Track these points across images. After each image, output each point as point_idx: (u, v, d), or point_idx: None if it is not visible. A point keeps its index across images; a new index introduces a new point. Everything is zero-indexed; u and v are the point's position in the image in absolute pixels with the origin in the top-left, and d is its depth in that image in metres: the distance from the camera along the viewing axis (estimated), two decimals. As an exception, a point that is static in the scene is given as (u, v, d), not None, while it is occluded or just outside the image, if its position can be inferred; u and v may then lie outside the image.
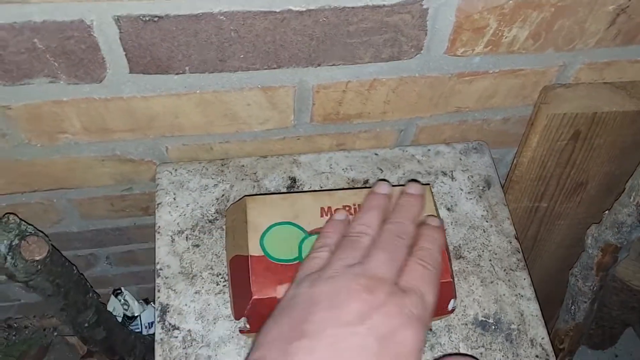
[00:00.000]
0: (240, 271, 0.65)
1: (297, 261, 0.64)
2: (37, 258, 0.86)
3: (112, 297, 1.42)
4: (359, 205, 0.68)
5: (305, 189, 0.84)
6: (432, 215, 0.67)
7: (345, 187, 0.84)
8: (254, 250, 0.64)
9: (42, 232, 0.90)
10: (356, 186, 0.84)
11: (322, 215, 0.68)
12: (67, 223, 1.03)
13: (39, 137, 0.78)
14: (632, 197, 0.84)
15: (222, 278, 0.75)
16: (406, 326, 0.50)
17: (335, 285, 0.53)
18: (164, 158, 0.86)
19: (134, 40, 0.64)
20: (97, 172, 0.87)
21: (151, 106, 0.75)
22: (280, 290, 0.61)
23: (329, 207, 0.68)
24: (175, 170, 0.85)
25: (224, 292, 0.74)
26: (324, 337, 0.48)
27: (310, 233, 0.66)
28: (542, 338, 0.74)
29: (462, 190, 0.85)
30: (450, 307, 0.69)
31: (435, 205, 0.70)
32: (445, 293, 0.67)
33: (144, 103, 0.74)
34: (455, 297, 0.68)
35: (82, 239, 1.09)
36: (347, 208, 0.68)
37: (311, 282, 0.55)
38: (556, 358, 1.22)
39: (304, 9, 0.63)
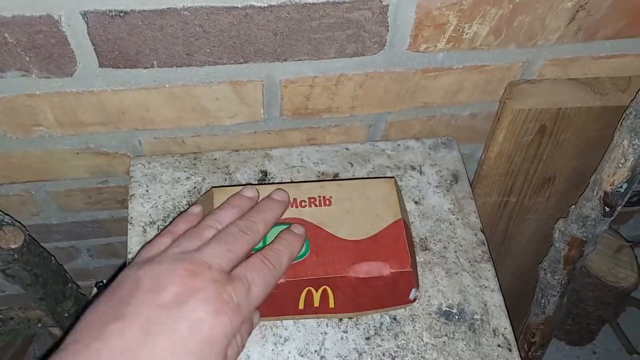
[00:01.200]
0: None
1: None
2: (13, 246, 0.87)
3: (95, 289, 1.42)
4: (324, 197, 0.70)
5: (276, 182, 0.85)
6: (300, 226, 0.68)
7: (315, 180, 0.86)
8: None
9: (19, 222, 0.91)
10: (325, 179, 0.86)
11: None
12: (46, 215, 1.04)
13: (14, 130, 0.79)
14: (595, 191, 0.85)
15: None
16: (220, 313, 0.51)
17: (160, 268, 0.53)
18: (138, 151, 0.87)
19: (102, 35, 0.65)
20: (72, 165, 0.89)
21: (122, 100, 0.76)
22: None
23: (295, 199, 0.70)
24: (149, 163, 0.86)
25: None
26: (138, 319, 0.49)
27: (275, 224, 0.66)
28: (505, 328, 0.75)
29: (430, 184, 0.87)
30: (411, 296, 0.71)
31: (399, 199, 0.72)
32: (406, 282, 0.69)
33: (114, 97, 0.75)
34: (416, 286, 0.70)
35: (61, 231, 1.10)
36: (312, 200, 0.70)
37: (140, 265, 0.55)
38: (529, 351, 1.24)
39: (266, 5, 0.64)
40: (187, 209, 0.67)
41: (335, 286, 0.67)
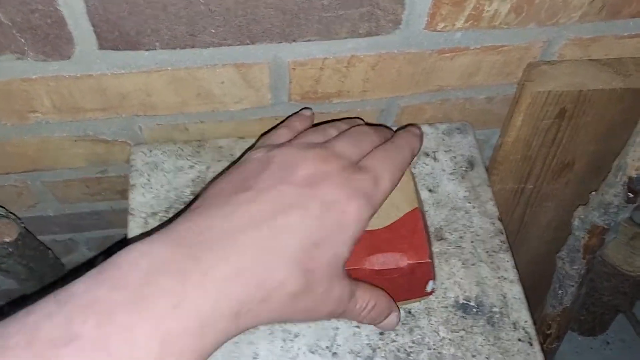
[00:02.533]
0: None
1: None
2: (7, 240, 0.85)
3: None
4: None
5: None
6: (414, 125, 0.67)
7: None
8: None
9: (14, 214, 0.89)
10: None
11: None
12: (43, 207, 1.01)
13: (9, 116, 0.76)
14: (618, 177, 0.83)
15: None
16: (351, 198, 0.52)
17: (291, 152, 0.55)
18: (139, 139, 0.84)
19: (102, 14, 0.62)
20: (70, 153, 0.86)
21: (122, 84, 0.73)
22: None
23: None
24: (150, 151, 0.83)
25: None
26: (268, 190, 0.50)
27: None
28: (525, 321, 0.73)
29: (444, 171, 0.84)
30: (429, 288, 0.68)
31: (415, 186, 0.68)
32: (424, 274, 0.66)
33: (114, 80, 0.72)
34: (434, 278, 0.67)
35: (59, 223, 1.07)
36: None
37: (269, 148, 0.57)
38: (544, 343, 1.21)
39: (275, -20, 0.61)
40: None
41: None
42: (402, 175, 0.61)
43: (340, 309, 0.54)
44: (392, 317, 0.62)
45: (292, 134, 0.62)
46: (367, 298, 0.57)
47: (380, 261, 0.63)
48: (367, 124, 0.68)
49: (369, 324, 0.61)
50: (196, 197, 0.53)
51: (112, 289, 0.42)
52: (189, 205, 0.51)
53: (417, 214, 0.66)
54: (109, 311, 0.40)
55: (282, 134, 0.62)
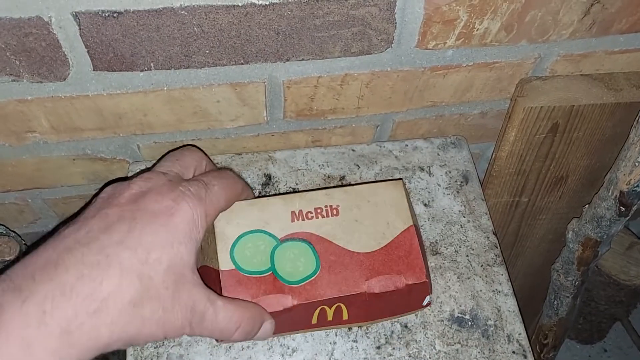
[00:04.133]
0: (211, 282, 0.62)
1: (270, 272, 0.62)
2: (8, 258, 0.84)
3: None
4: (330, 206, 0.67)
5: (280, 186, 0.83)
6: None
7: (321, 183, 0.83)
8: (225, 264, 0.61)
9: (14, 232, 0.89)
10: (329, 185, 0.83)
11: (293, 220, 0.65)
12: (44, 223, 1.01)
13: (7, 137, 0.76)
14: (610, 191, 0.83)
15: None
16: (178, 200, 0.52)
17: (117, 184, 0.55)
18: (137, 156, 0.85)
19: (95, 37, 0.63)
20: (69, 172, 0.86)
21: (118, 104, 0.73)
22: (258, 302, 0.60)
23: (300, 211, 0.66)
24: (148, 168, 0.83)
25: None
26: (93, 217, 0.50)
27: (282, 240, 0.63)
28: (519, 334, 0.73)
29: (439, 185, 0.84)
30: (425, 302, 0.68)
31: (409, 202, 0.69)
32: (421, 292, 0.66)
33: (110, 101, 0.72)
34: (430, 293, 0.68)
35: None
36: (318, 210, 0.66)
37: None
38: (541, 353, 1.22)
39: (267, 3, 0.62)
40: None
41: (350, 302, 0.64)
42: (235, 197, 0.62)
43: (197, 316, 0.52)
44: (266, 327, 0.60)
45: None
46: (231, 312, 0.56)
47: (380, 285, 0.64)
48: None
49: (243, 340, 0.59)
50: None
51: None
52: None
53: (413, 232, 0.67)
54: None
55: None
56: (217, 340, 0.67)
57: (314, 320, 0.65)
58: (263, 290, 0.60)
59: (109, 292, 0.46)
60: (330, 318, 0.66)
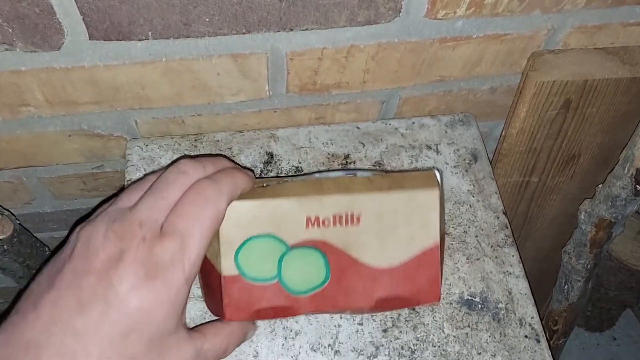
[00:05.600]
0: (212, 284, 0.59)
1: (276, 280, 0.58)
2: (1, 237, 0.83)
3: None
4: (352, 214, 0.60)
5: (283, 165, 0.80)
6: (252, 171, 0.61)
7: (325, 162, 0.81)
8: (227, 269, 0.57)
9: (8, 211, 0.87)
10: (332, 165, 0.81)
11: (307, 226, 0.59)
12: (40, 203, 1.00)
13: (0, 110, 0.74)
14: (626, 169, 0.81)
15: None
16: (152, 276, 0.48)
17: (94, 229, 0.51)
18: (135, 133, 0.83)
19: (91, 3, 0.60)
20: (64, 148, 0.84)
21: (115, 76, 0.71)
22: (254, 315, 0.58)
23: (317, 217, 0.59)
24: (146, 145, 0.81)
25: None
26: (69, 288, 0.48)
27: (292, 247, 0.58)
28: (532, 317, 0.71)
29: (447, 164, 0.82)
30: (432, 303, 0.65)
31: (441, 207, 0.62)
32: (431, 302, 0.62)
33: (107, 72, 0.70)
34: (439, 299, 0.64)
35: (56, 219, 1.06)
36: (337, 218, 0.59)
37: (81, 226, 0.53)
38: (550, 340, 1.20)
39: (270, -34, 0.59)
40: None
41: (356, 311, 0.62)
42: (220, 220, 0.55)
43: None
44: (250, 334, 0.62)
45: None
46: (218, 344, 0.56)
47: (390, 304, 0.61)
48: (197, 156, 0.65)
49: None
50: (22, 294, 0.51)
51: None
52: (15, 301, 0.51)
53: (436, 252, 0.61)
54: None
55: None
56: None
57: None
58: (267, 299, 0.58)
59: None
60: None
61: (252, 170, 0.64)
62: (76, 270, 0.49)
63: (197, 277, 0.65)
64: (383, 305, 0.61)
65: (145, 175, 0.60)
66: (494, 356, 0.68)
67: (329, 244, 0.59)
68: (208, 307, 0.63)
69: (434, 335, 0.69)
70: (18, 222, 0.88)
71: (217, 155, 0.71)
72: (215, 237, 0.57)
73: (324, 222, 0.59)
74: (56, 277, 0.49)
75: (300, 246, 0.59)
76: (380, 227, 0.60)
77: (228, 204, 0.55)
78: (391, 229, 0.60)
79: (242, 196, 0.57)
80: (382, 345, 0.68)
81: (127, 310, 0.47)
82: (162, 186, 0.54)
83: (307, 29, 0.68)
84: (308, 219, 0.58)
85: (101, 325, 0.47)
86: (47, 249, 1.01)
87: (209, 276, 0.60)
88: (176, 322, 0.51)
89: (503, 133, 0.89)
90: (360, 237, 0.59)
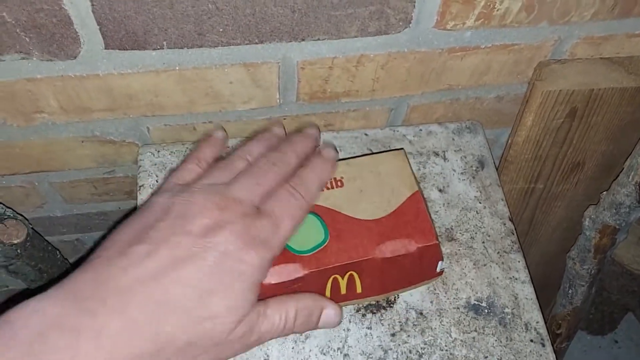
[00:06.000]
0: None
1: None
2: (15, 241, 0.84)
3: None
4: (334, 178, 0.68)
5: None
6: (330, 147, 0.67)
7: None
8: None
9: (22, 215, 0.88)
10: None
11: None
12: (51, 207, 1.00)
13: (14, 117, 0.75)
14: (630, 177, 0.82)
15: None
16: (249, 247, 0.52)
17: (191, 199, 0.54)
18: (146, 139, 0.84)
19: (108, 13, 0.61)
20: (77, 154, 0.85)
21: (129, 84, 0.72)
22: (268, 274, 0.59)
23: None
24: (158, 151, 0.82)
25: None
26: (164, 243, 0.50)
27: None
28: (537, 322, 0.72)
29: (454, 171, 0.83)
30: (438, 269, 0.68)
31: (411, 169, 0.70)
32: (433, 256, 0.66)
33: (121, 81, 0.71)
34: (442, 259, 0.68)
35: (66, 223, 1.07)
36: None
37: (172, 193, 0.56)
38: (553, 344, 1.20)
39: (284, -21, 0.60)
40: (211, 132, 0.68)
41: (362, 270, 0.64)
42: (307, 211, 0.60)
43: (254, 337, 0.54)
44: (329, 314, 0.60)
45: (200, 167, 0.62)
46: (283, 310, 0.56)
47: (390, 249, 0.64)
48: (287, 133, 0.68)
49: (304, 331, 0.61)
50: (99, 244, 0.53)
51: (4, 347, 0.42)
52: (91, 252, 0.52)
53: (419, 197, 0.67)
54: None
55: (190, 170, 0.62)
56: None
57: (327, 293, 0.65)
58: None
59: (171, 334, 0.48)
60: (344, 291, 0.66)
61: (335, 149, 0.67)
62: (173, 228, 0.51)
63: None
64: (388, 263, 0.64)
65: (199, 141, 0.66)
66: (500, 360, 0.69)
67: (321, 207, 0.65)
68: None
69: (441, 339, 0.70)
70: (31, 226, 0.89)
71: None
72: None
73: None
74: (149, 231, 0.51)
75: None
76: (361, 186, 0.68)
77: (315, 199, 0.61)
78: (372, 187, 0.67)
79: None
80: (391, 349, 0.69)
81: (219, 272, 0.50)
82: (257, 172, 0.59)
83: (318, 39, 0.69)
84: None
85: (192, 281, 0.49)
86: (57, 252, 1.01)
87: None
88: (254, 297, 0.53)
89: (509, 141, 0.89)
90: (347, 197, 0.66)
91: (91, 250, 0.53)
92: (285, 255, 0.61)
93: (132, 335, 0.46)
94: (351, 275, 0.64)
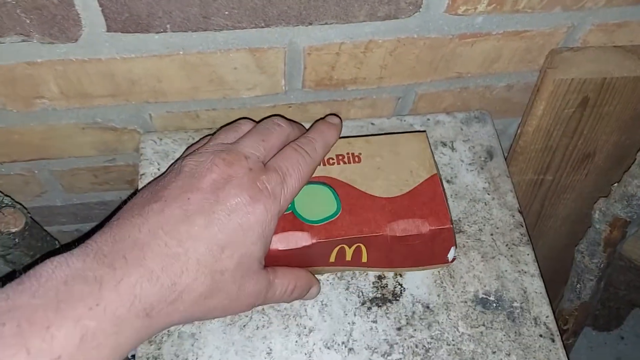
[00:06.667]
0: None
1: (290, 211, 0.63)
2: (13, 230, 0.83)
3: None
4: (352, 153, 0.68)
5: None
6: (334, 115, 0.70)
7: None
8: None
9: (20, 204, 0.87)
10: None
11: None
12: (50, 196, 0.99)
13: (14, 102, 0.73)
14: (642, 168, 0.81)
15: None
16: (256, 199, 0.55)
17: (201, 158, 0.58)
18: (149, 126, 0.82)
19: (110, -6, 0.60)
20: (77, 141, 0.83)
21: (132, 69, 0.70)
22: (273, 241, 0.60)
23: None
24: (160, 139, 0.81)
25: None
26: (175, 200, 0.54)
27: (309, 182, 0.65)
28: (547, 316, 0.70)
29: (462, 161, 0.81)
30: (450, 256, 0.68)
31: (431, 153, 0.70)
32: (445, 240, 0.66)
33: (124, 65, 0.70)
34: (455, 245, 0.67)
35: (66, 213, 1.05)
36: (340, 157, 0.68)
37: (182, 158, 0.60)
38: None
39: (292, -40, 0.59)
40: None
41: (370, 244, 0.64)
42: (313, 171, 0.63)
43: (260, 300, 0.58)
44: (313, 290, 0.66)
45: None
46: (286, 283, 0.60)
47: (402, 227, 0.63)
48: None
49: (290, 301, 0.65)
50: (119, 209, 0.57)
51: (31, 296, 0.45)
52: (110, 217, 0.56)
53: (437, 180, 0.67)
54: (28, 315, 0.44)
55: (201, 142, 0.66)
56: None
57: (332, 259, 0.66)
58: (282, 227, 0.61)
59: (186, 284, 0.51)
60: (349, 258, 0.66)
61: (338, 116, 0.70)
62: (184, 187, 0.55)
63: None
64: (398, 242, 0.64)
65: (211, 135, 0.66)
66: (509, 355, 0.67)
67: (336, 180, 0.66)
68: None
69: (448, 333, 0.69)
70: (29, 215, 0.88)
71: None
72: None
73: (328, 161, 0.67)
74: (162, 191, 0.55)
75: (310, 182, 0.65)
76: (379, 164, 0.68)
77: (321, 159, 0.65)
78: (390, 166, 0.68)
79: None
80: (397, 343, 0.68)
81: (229, 225, 0.53)
82: (262, 131, 0.62)
83: (326, 23, 0.68)
84: None
85: (203, 234, 0.52)
86: (56, 242, 1.00)
87: None
88: (262, 252, 0.57)
89: (519, 131, 0.88)
90: (363, 173, 0.67)
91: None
92: (295, 223, 0.62)
93: (150, 285, 0.49)
94: (358, 246, 0.65)
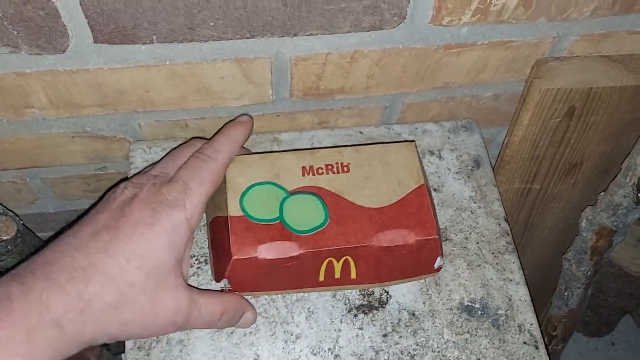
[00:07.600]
0: (220, 232, 0.64)
1: (278, 221, 0.63)
2: (5, 238, 0.83)
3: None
4: (341, 163, 0.68)
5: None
6: (245, 114, 0.73)
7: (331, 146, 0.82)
8: (234, 210, 0.64)
9: (12, 211, 0.87)
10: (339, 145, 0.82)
11: (303, 175, 0.67)
12: (43, 203, 1.00)
13: (4, 111, 0.74)
14: (628, 177, 0.81)
15: (195, 260, 0.72)
16: (158, 210, 0.57)
17: (118, 187, 0.61)
18: (138, 135, 0.82)
19: (96, 6, 0.60)
20: (68, 150, 0.84)
21: (119, 79, 0.71)
22: (261, 250, 0.61)
23: (311, 166, 0.68)
24: (150, 148, 0.81)
25: (198, 275, 0.71)
26: (88, 222, 0.57)
27: (292, 192, 0.66)
28: (531, 324, 0.71)
29: (449, 170, 0.82)
30: (436, 265, 0.68)
31: (420, 163, 0.70)
32: (431, 250, 0.66)
33: (111, 76, 0.70)
34: (441, 255, 0.67)
35: (59, 220, 1.06)
36: (329, 167, 0.68)
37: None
38: (549, 345, 1.20)
39: (276, -28, 0.59)
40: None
41: (358, 256, 0.64)
42: (220, 171, 0.64)
43: (181, 318, 0.58)
44: (247, 316, 0.66)
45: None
46: (212, 306, 0.61)
47: (388, 238, 0.64)
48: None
49: (223, 328, 0.66)
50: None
51: None
52: None
53: (424, 190, 0.67)
54: None
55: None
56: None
57: (322, 277, 0.66)
58: (270, 236, 0.62)
59: (92, 293, 0.52)
60: (337, 275, 0.66)
61: (249, 115, 0.73)
62: (97, 210, 0.58)
63: (208, 247, 0.71)
64: (385, 252, 0.64)
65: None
66: (494, 363, 0.68)
67: (324, 190, 0.66)
68: (215, 275, 0.67)
69: (433, 340, 0.69)
70: (22, 222, 0.88)
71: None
72: (223, 185, 0.65)
73: (317, 171, 0.68)
74: (84, 218, 0.58)
75: (299, 192, 0.66)
76: (368, 173, 0.68)
77: (229, 157, 0.66)
78: (378, 175, 0.68)
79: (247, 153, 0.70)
80: (382, 350, 0.68)
81: (133, 237, 0.55)
82: (173, 153, 0.66)
83: (311, 34, 0.68)
84: (304, 168, 0.68)
85: (109, 247, 0.54)
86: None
87: (217, 230, 0.65)
88: (175, 262, 0.58)
89: (506, 140, 0.88)
90: (351, 183, 0.67)
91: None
92: (283, 233, 0.62)
93: (56, 294, 0.50)
94: (346, 260, 0.65)
